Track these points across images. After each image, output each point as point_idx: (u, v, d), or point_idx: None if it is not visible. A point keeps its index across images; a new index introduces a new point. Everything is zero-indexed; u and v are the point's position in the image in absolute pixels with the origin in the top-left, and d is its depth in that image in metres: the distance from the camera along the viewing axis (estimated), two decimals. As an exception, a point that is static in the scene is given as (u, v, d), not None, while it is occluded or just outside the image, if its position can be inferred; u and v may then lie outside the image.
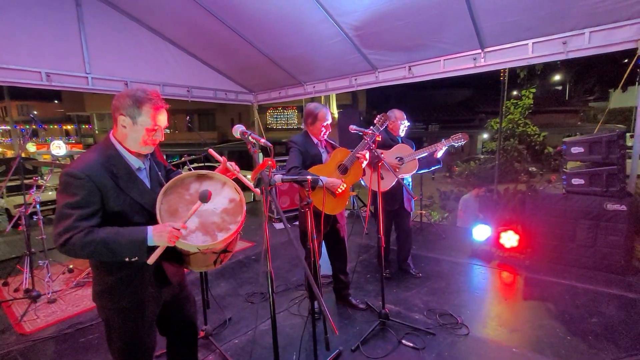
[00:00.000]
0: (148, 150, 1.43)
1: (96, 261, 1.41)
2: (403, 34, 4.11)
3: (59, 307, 3.16)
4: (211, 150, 1.63)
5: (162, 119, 1.40)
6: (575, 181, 3.49)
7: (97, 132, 28.15)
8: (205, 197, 1.29)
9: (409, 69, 4.71)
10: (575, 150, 3.48)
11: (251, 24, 4.46)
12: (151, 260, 1.25)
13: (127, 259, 1.26)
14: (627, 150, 3.69)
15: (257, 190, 1.48)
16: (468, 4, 3.41)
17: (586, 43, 3.50)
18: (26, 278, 3.36)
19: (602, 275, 3.30)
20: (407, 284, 3.37)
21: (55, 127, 27.66)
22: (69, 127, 29.19)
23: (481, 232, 4.17)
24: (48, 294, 3.27)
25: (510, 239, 3.87)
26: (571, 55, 3.67)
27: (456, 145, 3.14)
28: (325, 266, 3.03)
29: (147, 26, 5.02)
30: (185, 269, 1.60)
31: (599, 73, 8.99)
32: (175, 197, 1.41)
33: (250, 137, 1.47)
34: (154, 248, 1.26)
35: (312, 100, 6.56)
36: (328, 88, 5.77)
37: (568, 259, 3.54)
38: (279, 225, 5.74)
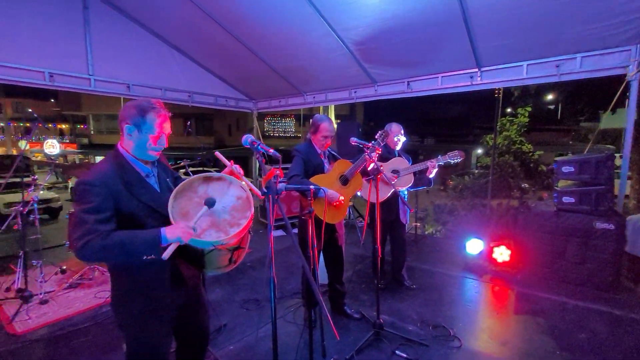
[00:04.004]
0: (154, 157, 1.50)
1: (113, 265, 1.45)
2: (403, 50, 4.24)
3: (51, 309, 3.13)
4: (218, 153, 1.68)
5: (166, 126, 1.48)
6: (566, 199, 3.59)
7: (92, 132, 27.95)
8: (211, 203, 1.38)
9: (408, 84, 4.83)
10: (566, 169, 3.60)
11: (256, 34, 4.57)
12: (166, 254, 1.30)
13: (144, 257, 1.31)
14: (616, 171, 3.82)
15: (259, 192, 1.56)
16: (466, 25, 3.55)
17: (578, 67, 3.66)
18: (19, 278, 3.33)
19: (591, 292, 3.38)
20: (401, 295, 3.41)
21: (50, 125, 27.39)
22: (63, 126, 28.96)
23: (474, 246, 4.25)
24: (40, 294, 3.24)
25: (502, 253, 3.95)
26: (564, 78, 3.82)
27: (452, 162, 3.20)
28: (320, 275, 3.07)
29: (152, 31, 5.10)
30: (200, 272, 1.64)
31: (590, 95, 9.27)
32: (185, 201, 1.47)
33: (259, 147, 1.53)
34: (167, 246, 1.32)
35: (311, 110, 6.66)
36: (328, 99, 5.87)
37: (558, 275, 3.62)
38: (275, 233, 5.75)
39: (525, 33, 3.53)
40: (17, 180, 4.03)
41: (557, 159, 3.77)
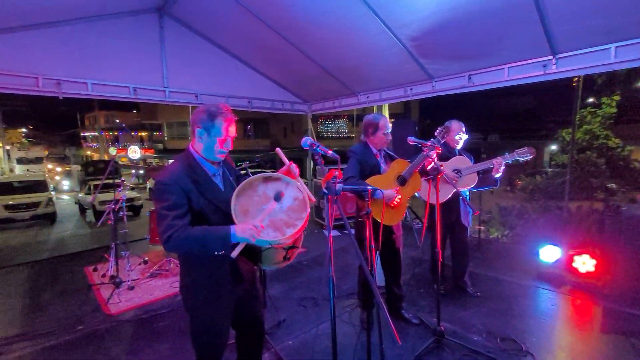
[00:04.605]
0: (221, 158, 1.63)
1: (183, 258, 1.63)
2: (463, 43, 3.98)
3: (136, 294, 3.58)
4: (279, 150, 1.77)
5: (232, 129, 1.60)
6: (670, 202, 3.05)
7: (166, 138, 31.17)
8: (278, 197, 1.48)
9: (469, 78, 4.52)
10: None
11: (310, 38, 4.68)
12: (234, 253, 1.43)
13: (216, 253, 1.45)
14: None
15: (313, 198, 1.62)
16: (538, 8, 3.21)
17: (685, 45, 3.08)
18: (111, 266, 3.86)
19: None
20: (464, 302, 3.21)
21: (133, 133, 31.33)
22: (143, 134, 32.84)
23: (549, 254, 3.82)
24: (128, 281, 3.71)
25: (585, 263, 3.49)
26: (665, 60, 3.25)
27: (521, 160, 2.95)
28: (377, 277, 3.03)
29: (216, 44, 5.52)
30: (256, 267, 1.76)
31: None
32: (246, 199, 1.57)
33: (318, 149, 1.57)
34: (237, 244, 1.44)
35: (364, 110, 6.61)
36: (382, 98, 5.76)
37: (659, 290, 3.09)
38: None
39: (613, 10, 3.07)
40: (109, 181, 4.67)
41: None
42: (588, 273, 3.48)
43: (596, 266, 3.44)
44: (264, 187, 1.62)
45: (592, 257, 3.47)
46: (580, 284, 3.48)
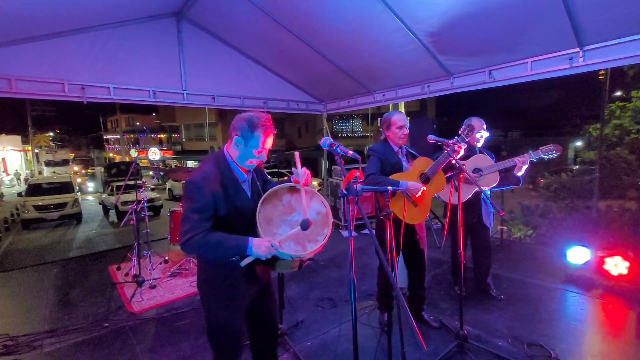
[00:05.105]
0: (252, 167, 1.65)
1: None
2: (483, 37, 3.86)
3: (158, 293, 3.66)
4: (297, 155, 1.76)
5: (269, 142, 1.61)
6: None
7: (184, 140, 31.88)
8: (305, 226, 1.46)
9: (489, 73, 4.38)
10: None
11: (326, 38, 4.66)
12: (243, 263, 1.49)
13: (230, 259, 1.51)
14: None
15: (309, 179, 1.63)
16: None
17: None
18: (134, 265, 3.96)
19: None
20: (487, 305, 3.11)
21: (152, 135, 32.28)
22: (162, 135, 33.75)
23: (578, 255, 3.65)
24: (150, 280, 3.80)
25: (617, 265, 3.31)
26: None
27: (546, 157, 2.83)
28: (397, 278, 2.98)
29: (232, 46, 5.57)
30: (270, 268, 1.76)
31: None
32: (270, 207, 1.58)
33: (338, 149, 1.55)
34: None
35: (379, 109, 6.53)
36: (398, 96, 5.67)
37: (701, 295, 2.89)
38: (345, 233, 5.79)
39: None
40: (131, 182, 4.79)
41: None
42: (620, 276, 3.30)
43: (629, 268, 3.26)
44: (289, 197, 1.63)
45: (625, 258, 3.29)
46: (612, 287, 3.31)
